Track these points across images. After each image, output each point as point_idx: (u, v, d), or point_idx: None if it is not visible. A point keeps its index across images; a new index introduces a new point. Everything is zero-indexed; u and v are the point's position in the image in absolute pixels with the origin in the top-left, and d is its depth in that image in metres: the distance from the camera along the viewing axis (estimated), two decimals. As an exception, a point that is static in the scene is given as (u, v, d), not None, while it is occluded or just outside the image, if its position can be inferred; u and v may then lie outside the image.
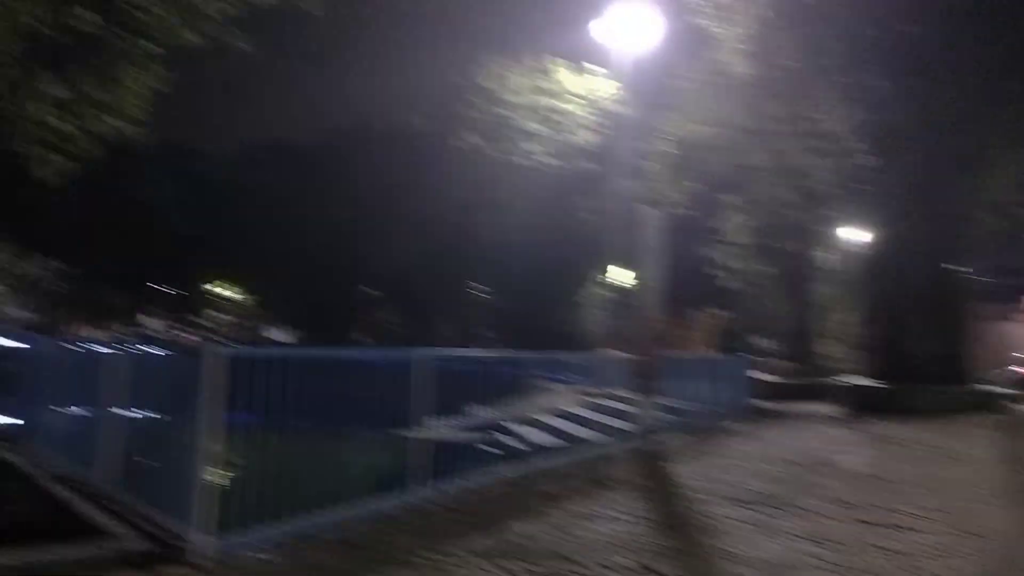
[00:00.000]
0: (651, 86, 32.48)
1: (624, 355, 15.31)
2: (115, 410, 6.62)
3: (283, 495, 5.73)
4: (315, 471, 6.19)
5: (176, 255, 58.92)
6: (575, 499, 7.94)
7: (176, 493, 5.36)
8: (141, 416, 6.19)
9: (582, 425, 13.38)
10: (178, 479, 5.30)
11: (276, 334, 72.15)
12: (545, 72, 37.11)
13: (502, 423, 17.47)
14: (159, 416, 5.70)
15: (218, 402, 5.16)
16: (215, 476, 5.22)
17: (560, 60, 36.54)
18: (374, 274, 50.32)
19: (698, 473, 10.02)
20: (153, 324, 72.43)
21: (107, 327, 68.29)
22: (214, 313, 69.04)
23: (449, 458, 7.81)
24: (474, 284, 46.99)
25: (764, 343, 36.34)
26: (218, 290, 65.27)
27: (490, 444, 15.97)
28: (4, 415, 9.80)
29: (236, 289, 64.18)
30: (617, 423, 12.63)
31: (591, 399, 14.70)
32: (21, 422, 9.27)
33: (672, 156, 29.28)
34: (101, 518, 5.77)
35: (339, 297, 53.83)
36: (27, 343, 9.79)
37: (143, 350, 7.06)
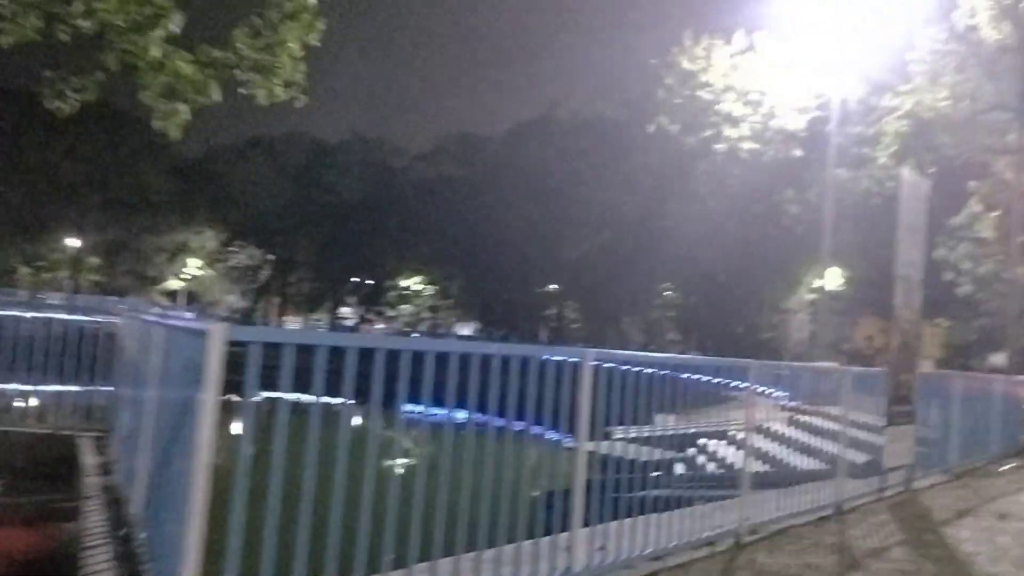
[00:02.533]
0: (876, 58, 28.38)
1: (835, 366, 12.38)
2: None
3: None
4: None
5: (368, 247, 60.27)
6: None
7: (170, 530, 3.28)
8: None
9: (797, 451, 10.22)
10: (173, 508, 3.21)
11: (463, 329, 72.48)
12: (754, 49, 33.48)
13: (697, 439, 14.68)
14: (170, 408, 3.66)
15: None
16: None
17: (770, 34, 32.84)
18: (557, 269, 48.52)
19: (982, 538, 6.93)
20: (349, 315, 75.09)
21: (308, 316, 71.46)
22: (403, 306, 70.20)
23: (630, 484, 5.30)
24: (664, 283, 43.82)
25: (999, 359, 30.81)
26: (406, 283, 66.12)
27: (687, 466, 13.24)
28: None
29: (423, 282, 64.68)
30: (850, 453, 9.49)
31: (809, 418, 11.52)
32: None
33: (902, 137, 24.95)
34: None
35: (519, 292, 52.55)
36: (119, 319, 8.24)
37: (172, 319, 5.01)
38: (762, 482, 6.84)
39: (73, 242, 56.59)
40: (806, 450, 9.86)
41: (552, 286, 52.77)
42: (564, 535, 4.37)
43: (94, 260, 60.46)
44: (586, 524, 4.49)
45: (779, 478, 7.90)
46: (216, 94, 8.78)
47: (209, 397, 2.88)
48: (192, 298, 67.34)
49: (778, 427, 10.92)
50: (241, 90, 10.04)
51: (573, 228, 44.03)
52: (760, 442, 9.31)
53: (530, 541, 4.24)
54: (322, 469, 3.22)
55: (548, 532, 4.45)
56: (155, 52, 8.33)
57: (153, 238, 61.83)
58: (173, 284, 66.02)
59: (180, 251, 64.41)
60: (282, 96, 10.12)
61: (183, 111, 8.70)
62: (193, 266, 65.71)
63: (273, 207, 62.35)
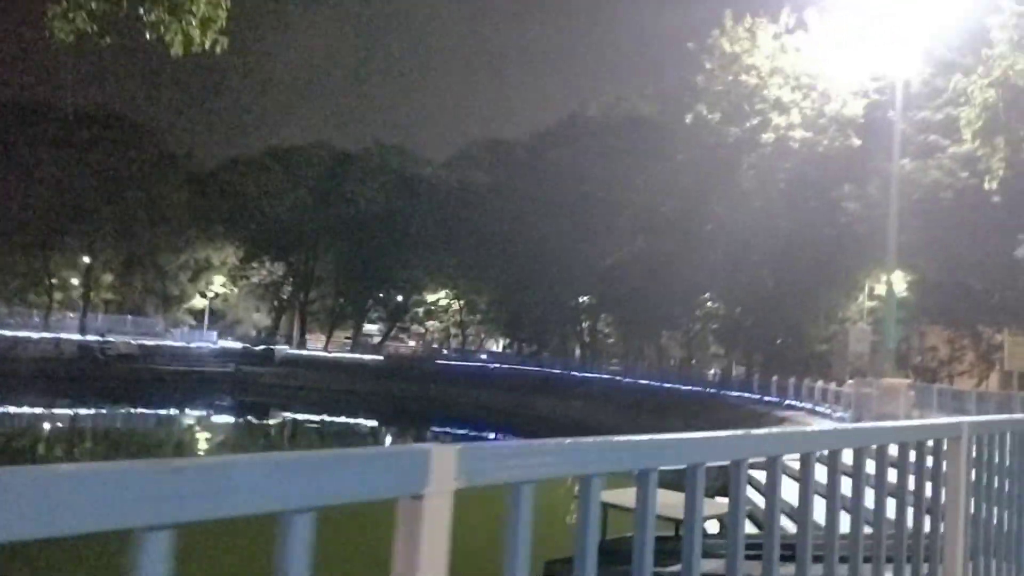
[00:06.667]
0: (942, 33, 24.78)
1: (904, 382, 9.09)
2: None
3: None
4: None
5: (391, 260, 57.38)
6: None
7: None
8: None
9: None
10: None
11: (492, 345, 69.14)
12: (803, 28, 29.94)
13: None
14: None
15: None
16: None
17: (821, 10, 29.30)
18: (590, 279, 44.96)
19: None
20: (374, 332, 72.16)
21: (332, 335, 68.59)
22: (430, 322, 67.05)
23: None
24: (705, 293, 40.06)
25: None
26: (432, 297, 62.99)
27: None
28: None
29: (449, 296, 61.49)
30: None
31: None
32: None
33: (991, 109, 21.02)
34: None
35: (550, 305, 49.06)
36: None
37: None
38: None
39: (85, 258, 54.50)
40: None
41: (584, 298, 49.24)
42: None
43: (107, 277, 58.33)
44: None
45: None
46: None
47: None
48: (216, 317, 65.08)
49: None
50: (151, 36, 8.32)
51: (605, 235, 40.58)
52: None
53: None
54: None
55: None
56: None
57: (172, 255, 59.57)
58: (198, 303, 63.81)
59: (204, 268, 62.19)
60: (200, 42, 8.34)
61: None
62: (217, 283, 63.46)
63: (292, 220, 59.87)
